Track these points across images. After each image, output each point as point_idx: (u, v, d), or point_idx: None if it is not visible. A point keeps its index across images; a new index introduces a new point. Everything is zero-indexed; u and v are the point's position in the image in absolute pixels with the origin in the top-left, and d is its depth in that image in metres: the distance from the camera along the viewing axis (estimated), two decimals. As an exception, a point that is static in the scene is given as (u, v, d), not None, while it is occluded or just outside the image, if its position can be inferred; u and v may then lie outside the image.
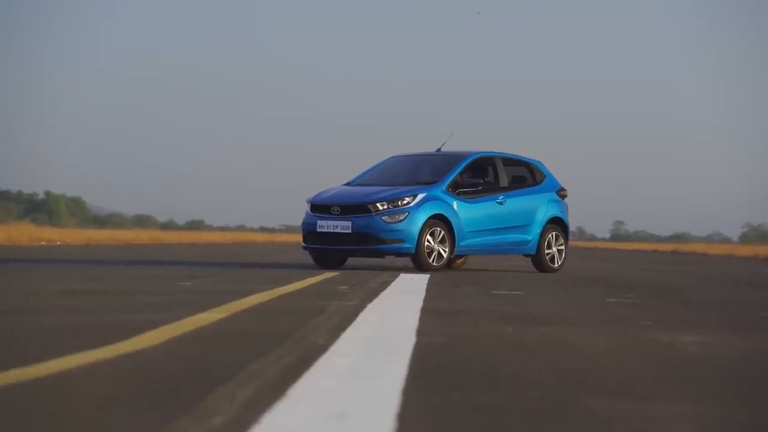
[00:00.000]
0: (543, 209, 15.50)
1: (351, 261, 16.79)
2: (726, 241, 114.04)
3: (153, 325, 5.36)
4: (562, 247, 15.71)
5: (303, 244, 14.67)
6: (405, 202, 14.09)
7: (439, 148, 15.86)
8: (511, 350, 4.67)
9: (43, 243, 32.12)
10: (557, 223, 15.72)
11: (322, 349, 4.45)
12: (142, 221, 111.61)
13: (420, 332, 5.25)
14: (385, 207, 14.04)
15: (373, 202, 14.06)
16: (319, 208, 14.44)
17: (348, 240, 14.09)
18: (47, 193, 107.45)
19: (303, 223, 14.65)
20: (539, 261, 15.50)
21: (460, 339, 5.08)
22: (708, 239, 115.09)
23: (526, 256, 15.65)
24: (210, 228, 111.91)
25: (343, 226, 14.09)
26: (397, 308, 6.85)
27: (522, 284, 11.22)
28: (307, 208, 14.68)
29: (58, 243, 32.81)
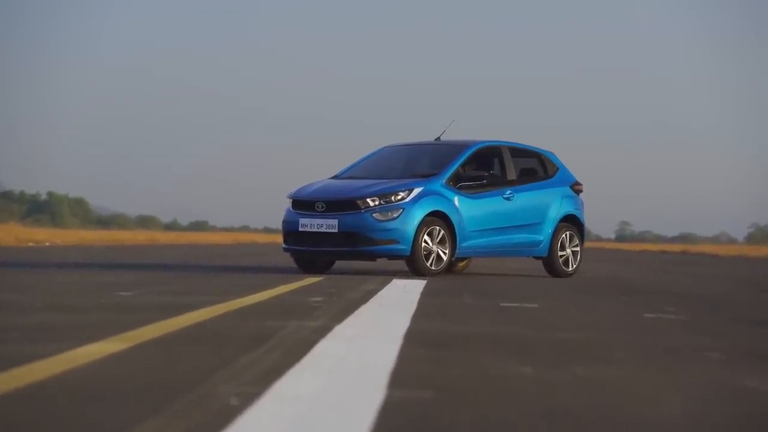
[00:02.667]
0: (556, 206, 13.72)
1: (340, 264, 15.02)
2: (732, 241, 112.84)
3: (15, 362, 3.63)
4: (577, 249, 13.93)
5: (283, 245, 12.90)
6: (399, 197, 12.32)
7: (439, 137, 14.08)
8: (539, 421, 2.90)
9: (30, 244, 30.55)
10: (572, 222, 13.94)
11: (226, 420, 2.69)
12: (145, 222, 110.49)
13: (395, 380, 3.49)
14: (377, 203, 12.26)
15: (363, 198, 12.29)
16: (302, 204, 12.67)
17: (334, 240, 12.32)
18: (50, 194, 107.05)
19: (283, 222, 12.88)
20: (551, 264, 13.72)
21: (454, 395, 3.30)
22: (714, 240, 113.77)
23: (537, 258, 13.88)
24: (214, 228, 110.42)
25: (328, 224, 12.32)
26: (374, 333, 5.08)
27: (535, 293, 9.46)
28: (288, 204, 12.92)
29: (47, 244, 31.17)
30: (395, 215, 12.22)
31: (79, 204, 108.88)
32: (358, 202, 12.26)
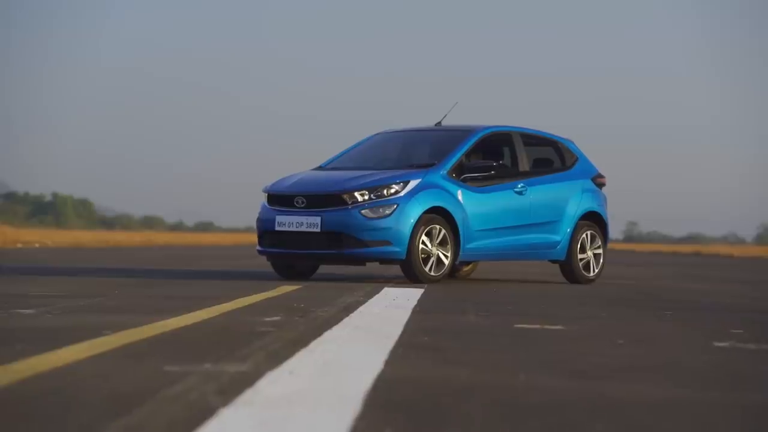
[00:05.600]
0: (575, 201, 11.85)
1: (328, 268, 13.18)
2: (740, 241, 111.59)
3: None
4: (600, 251, 12.07)
5: (258, 246, 11.03)
6: (393, 190, 10.46)
7: (440, 122, 12.20)
8: None
9: (19, 245, 28.95)
10: (593, 220, 12.08)
11: None
12: (150, 223, 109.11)
13: None
14: (366, 197, 10.40)
15: (350, 191, 10.42)
16: (279, 199, 10.81)
17: (316, 242, 10.45)
18: (54, 195, 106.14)
19: (258, 219, 11.02)
20: (570, 269, 11.85)
21: None
22: (723, 240, 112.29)
23: (553, 262, 12.00)
24: (219, 229, 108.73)
25: (309, 222, 10.45)
26: (319, 389, 3.20)
27: (556, 308, 7.59)
28: (263, 199, 11.06)
29: (37, 246, 29.56)
30: (388, 212, 10.36)
31: (83, 205, 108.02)
32: (345, 196, 10.40)
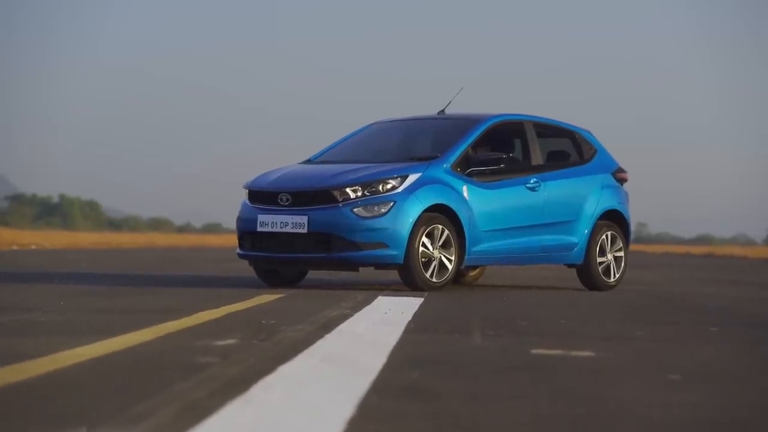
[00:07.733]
0: (594, 198, 10.63)
1: (315, 272, 11.94)
2: (750, 242, 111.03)
3: None
4: (621, 254, 10.85)
5: (238, 250, 9.81)
6: (389, 186, 9.23)
7: (443, 110, 10.96)
8: None
9: (14, 247, 27.98)
10: (614, 219, 10.85)
11: None
12: (157, 224, 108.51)
13: None
14: (359, 194, 9.17)
15: (341, 187, 9.20)
16: (261, 196, 9.59)
17: (302, 244, 9.22)
18: (61, 197, 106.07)
19: (238, 219, 9.80)
20: (588, 274, 10.62)
21: None
22: (733, 241, 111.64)
23: (570, 266, 10.77)
24: (227, 231, 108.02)
25: (294, 222, 9.23)
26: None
27: (579, 323, 6.36)
28: (244, 196, 9.84)
29: (33, 247, 28.58)
30: (384, 210, 9.14)
31: (90, 206, 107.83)
32: (335, 192, 9.18)
